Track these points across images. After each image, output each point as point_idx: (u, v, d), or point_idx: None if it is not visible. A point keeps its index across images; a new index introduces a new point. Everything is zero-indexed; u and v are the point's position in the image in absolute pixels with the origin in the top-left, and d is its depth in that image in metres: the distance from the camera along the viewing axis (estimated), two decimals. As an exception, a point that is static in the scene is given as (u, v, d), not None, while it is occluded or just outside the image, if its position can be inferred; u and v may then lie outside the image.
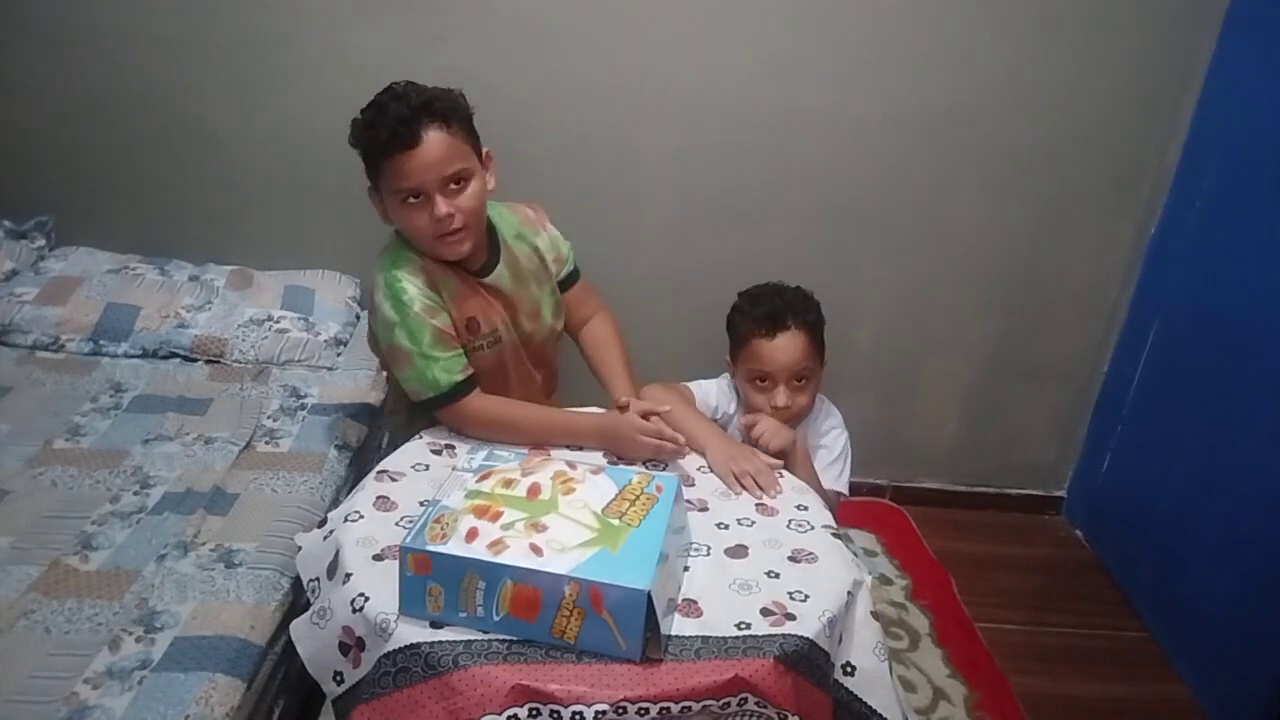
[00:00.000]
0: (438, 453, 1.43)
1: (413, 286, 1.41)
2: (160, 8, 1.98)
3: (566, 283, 1.67)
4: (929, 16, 2.05)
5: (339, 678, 1.12)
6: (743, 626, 1.07)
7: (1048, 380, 2.46)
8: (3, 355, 1.83)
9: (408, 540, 1.04)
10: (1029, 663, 1.99)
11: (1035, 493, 2.59)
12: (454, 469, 1.23)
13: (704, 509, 1.32)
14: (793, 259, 2.25)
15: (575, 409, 1.53)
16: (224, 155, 2.12)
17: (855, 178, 2.20)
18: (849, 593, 1.17)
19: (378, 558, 1.15)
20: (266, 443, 1.64)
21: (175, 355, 1.90)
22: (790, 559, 1.21)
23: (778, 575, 1.17)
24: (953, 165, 2.20)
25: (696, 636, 1.05)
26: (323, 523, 1.32)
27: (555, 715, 0.96)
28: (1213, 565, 1.97)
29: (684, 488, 1.26)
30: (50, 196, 2.15)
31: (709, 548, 1.23)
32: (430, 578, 1.03)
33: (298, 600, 1.32)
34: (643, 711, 0.97)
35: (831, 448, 1.63)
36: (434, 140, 1.36)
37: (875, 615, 1.21)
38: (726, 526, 1.28)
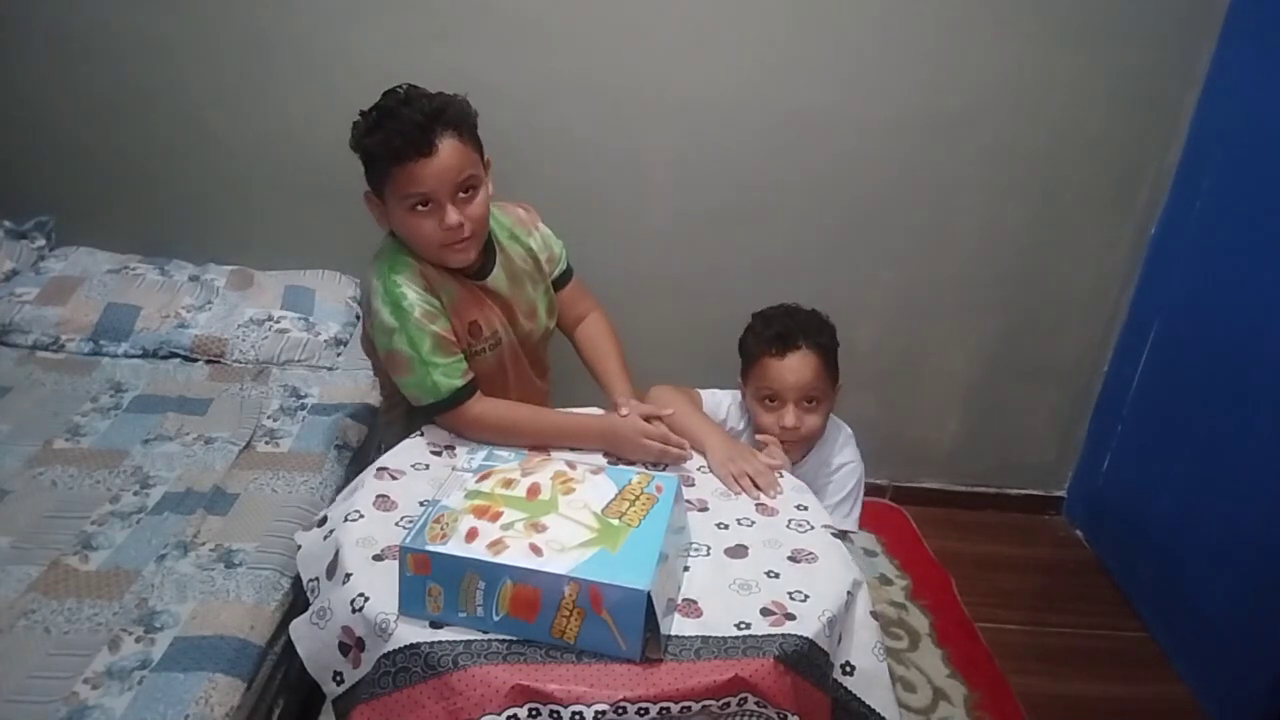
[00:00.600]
0: (437, 453, 1.43)
1: (412, 292, 1.39)
2: (160, 8, 1.98)
3: (560, 281, 1.67)
4: (930, 18, 2.05)
5: (339, 678, 1.12)
6: (742, 626, 1.07)
7: (1048, 380, 2.46)
8: (3, 355, 1.83)
9: (408, 540, 1.04)
10: (1029, 663, 1.99)
11: (1035, 493, 2.59)
12: (454, 469, 1.23)
13: (704, 509, 1.32)
14: (793, 260, 2.26)
15: (575, 410, 1.53)
16: (224, 155, 2.12)
17: (856, 178, 2.20)
18: (849, 593, 1.17)
19: (378, 558, 1.15)
20: (266, 443, 1.64)
21: (175, 355, 1.90)
22: (790, 559, 1.21)
23: (777, 575, 1.17)
24: (953, 166, 2.20)
25: (696, 636, 1.05)
26: (322, 521, 1.32)
27: (555, 715, 0.96)
28: (1213, 565, 1.97)
29: (684, 488, 1.26)
30: (50, 196, 2.15)
31: (709, 548, 1.23)
32: (430, 578, 1.03)
33: (298, 600, 1.32)
34: (642, 711, 0.97)
35: (841, 484, 1.58)
36: (448, 148, 1.34)
37: (874, 615, 1.21)
38: (726, 526, 1.28)
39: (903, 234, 2.27)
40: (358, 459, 1.70)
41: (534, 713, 0.97)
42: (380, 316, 1.40)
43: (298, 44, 2.02)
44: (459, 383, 1.41)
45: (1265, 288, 1.90)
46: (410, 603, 1.05)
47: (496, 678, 0.98)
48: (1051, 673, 1.98)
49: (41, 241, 2.11)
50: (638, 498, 1.14)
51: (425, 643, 1.02)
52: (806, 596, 1.13)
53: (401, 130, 1.32)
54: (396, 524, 1.22)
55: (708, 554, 1.21)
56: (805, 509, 1.35)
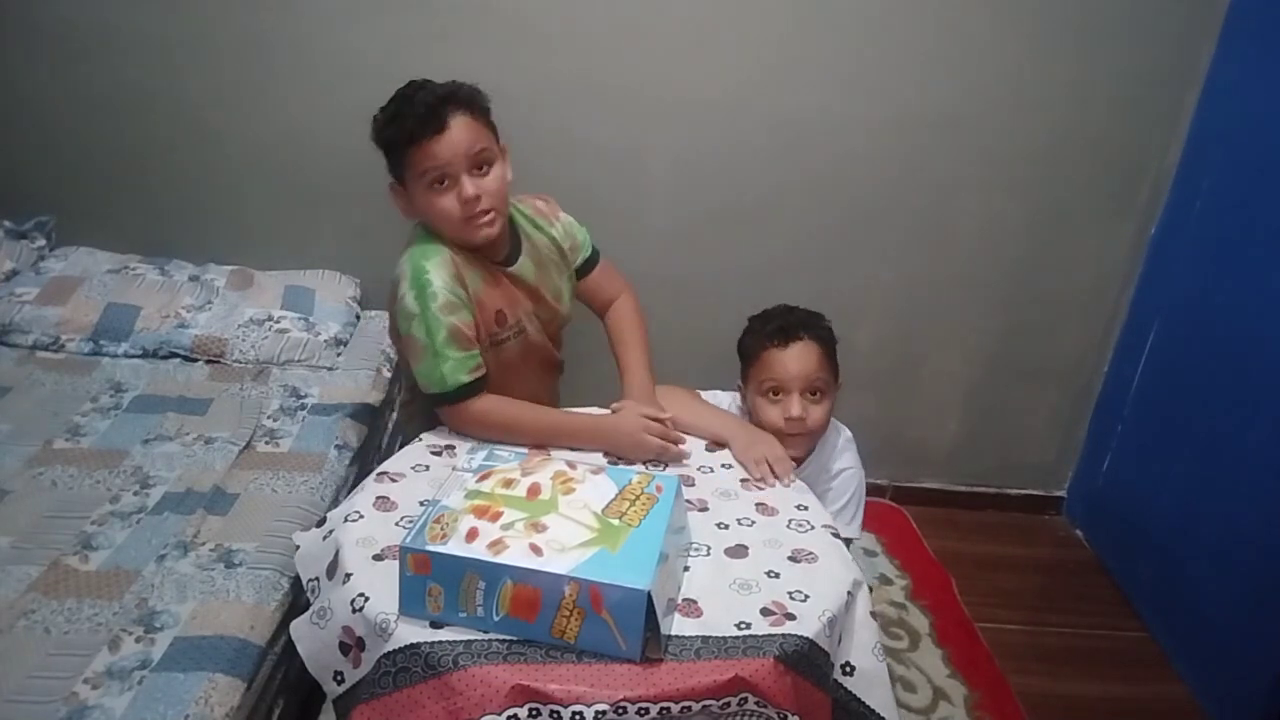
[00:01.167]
0: (437, 453, 1.43)
1: (439, 280, 1.41)
2: (161, 8, 1.98)
3: (586, 267, 1.69)
4: (930, 18, 2.05)
5: (339, 677, 1.12)
6: (743, 626, 1.07)
7: (1048, 380, 2.46)
8: (3, 355, 1.82)
9: (408, 540, 1.04)
10: (1029, 663, 1.99)
11: (1035, 493, 2.59)
12: (454, 469, 1.23)
13: (704, 509, 1.32)
14: (794, 260, 2.26)
15: (576, 409, 1.53)
16: (224, 155, 2.12)
17: (856, 179, 2.20)
18: (849, 593, 1.17)
19: (378, 558, 1.15)
20: (266, 443, 1.64)
21: (175, 355, 1.90)
22: (790, 559, 1.21)
23: (778, 575, 1.17)
24: (953, 166, 2.20)
25: (696, 636, 1.05)
26: (321, 522, 1.32)
27: (555, 715, 0.96)
28: (1213, 565, 1.97)
29: (684, 487, 1.26)
30: (50, 196, 2.15)
31: (709, 547, 1.23)
32: (430, 578, 1.03)
33: (298, 600, 1.32)
34: (643, 711, 0.97)
35: (841, 491, 1.57)
36: (459, 124, 1.39)
37: (874, 615, 1.21)
38: (726, 526, 1.28)
39: (903, 234, 2.27)
40: (358, 459, 1.70)
41: (534, 713, 0.97)
42: (404, 301, 1.42)
43: (298, 44, 2.02)
44: (465, 379, 1.43)
45: (1265, 287, 1.90)
46: (410, 603, 1.05)
47: (497, 678, 0.98)
48: (1051, 673, 1.98)
49: (41, 241, 2.10)
50: (638, 497, 1.14)
51: (425, 643, 1.02)
52: (807, 596, 1.13)
53: (414, 113, 1.38)
54: (396, 524, 1.22)
55: (708, 554, 1.21)
56: (805, 509, 1.35)
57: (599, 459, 1.43)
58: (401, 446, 1.46)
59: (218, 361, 1.90)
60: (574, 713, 0.96)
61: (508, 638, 1.03)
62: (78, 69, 2.03)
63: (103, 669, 1.11)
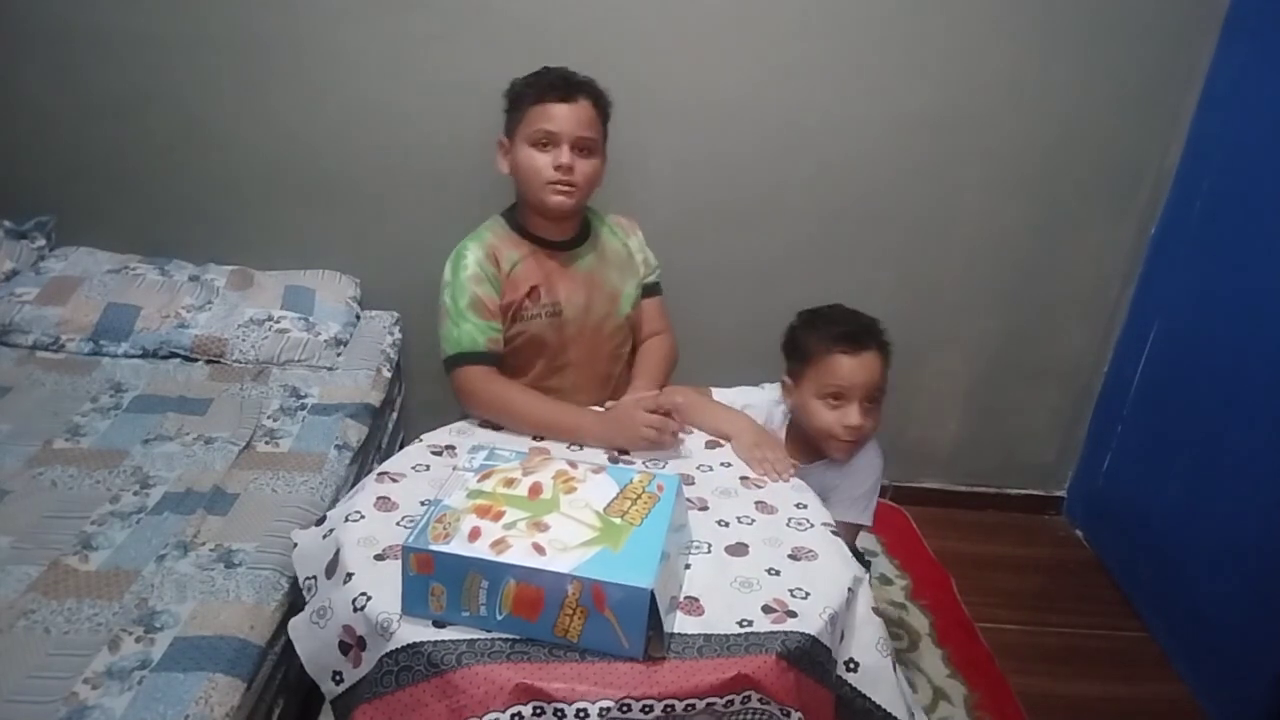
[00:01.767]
0: (438, 453, 1.43)
1: (473, 255, 1.57)
2: (161, 8, 1.98)
3: (648, 290, 1.77)
4: (930, 19, 2.05)
5: (338, 677, 1.12)
6: (744, 624, 1.07)
7: (1048, 380, 2.46)
8: (3, 355, 1.82)
9: (410, 540, 1.04)
10: (1029, 663, 1.98)
11: (1035, 493, 2.59)
12: (455, 469, 1.23)
13: (704, 507, 1.32)
14: (793, 260, 2.26)
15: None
16: (224, 155, 2.12)
17: (856, 179, 2.20)
18: (849, 589, 1.17)
19: (379, 557, 1.15)
20: (266, 443, 1.64)
21: (175, 355, 1.89)
22: (790, 556, 1.21)
23: (778, 573, 1.18)
24: (953, 166, 2.20)
25: (699, 634, 1.05)
26: (321, 521, 1.32)
27: (559, 714, 0.96)
28: (1213, 565, 1.97)
29: (684, 486, 1.26)
30: (50, 196, 2.14)
31: (709, 546, 1.23)
32: (433, 577, 1.03)
33: (298, 600, 1.31)
34: (647, 710, 0.97)
35: (864, 478, 1.56)
36: (583, 105, 1.57)
37: (876, 612, 1.21)
38: (727, 525, 1.28)
39: (903, 234, 2.27)
40: (358, 459, 1.70)
41: (538, 711, 0.97)
42: (444, 273, 1.59)
43: (298, 44, 2.02)
44: (479, 346, 1.54)
45: (1265, 288, 1.90)
46: (413, 602, 1.05)
47: (500, 676, 0.98)
48: (1051, 673, 1.98)
49: (41, 241, 2.10)
50: (639, 496, 1.14)
51: (428, 641, 1.02)
52: (807, 594, 1.13)
53: (551, 79, 1.56)
54: (398, 524, 1.22)
55: (709, 552, 1.22)
56: (805, 507, 1.35)
57: (600, 458, 1.43)
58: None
59: (218, 361, 1.89)
60: (578, 710, 0.96)
61: (510, 637, 1.03)
62: (78, 69, 2.03)
63: (103, 669, 1.11)
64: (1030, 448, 2.54)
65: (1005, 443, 2.53)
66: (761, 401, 1.63)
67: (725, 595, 1.13)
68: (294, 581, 1.31)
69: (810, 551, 1.23)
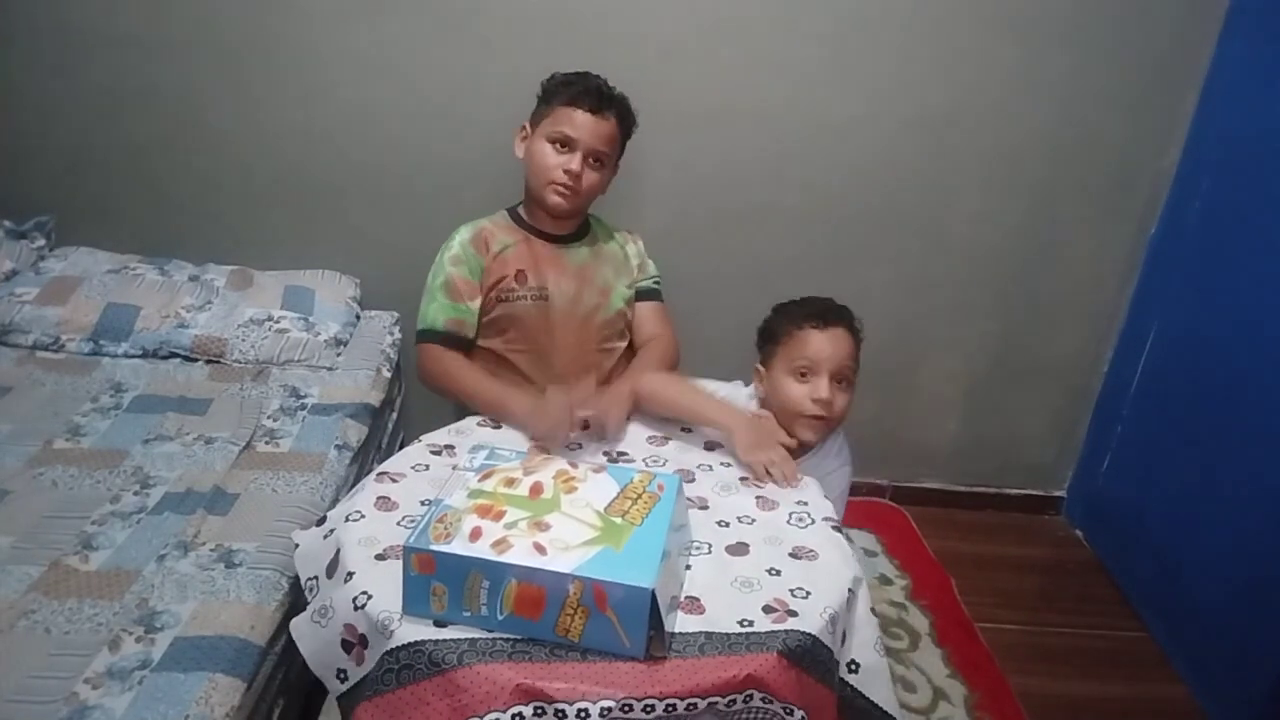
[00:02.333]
0: (437, 453, 1.43)
1: (460, 236, 1.67)
2: (161, 8, 1.98)
3: (643, 295, 1.82)
4: (928, 19, 2.05)
5: (342, 675, 1.12)
6: (745, 623, 1.07)
7: (1048, 380, 2.46)
8: (3, 355, 1.82)
9: (411, 540, 1.04)
10: (1029, 663, 1.99)
11: (1035, 493, 2.59)
12: (455, 468, 1.23)
13: (704, 506, 1.32)
14: (793, 260, 2.26)
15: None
16: (224, 155, 2.12)
17: (857, 180, 2.20)
18: (850, 589, 1.17)
19: (380, 557, 1.15)
20: (266, 443, 1.64)
21: (175, 355, 1.89)
22: (791, 556, 1.21)
23: (779, 573, 1.17)
24: (953, 166, 2.20)
25: (700, 633, 1.05)
26: (321, 521, 1.32)
27: (560, 714, 0.96)
28: (1213, 565, 1.97)
29: (684, 484, 1.26)
30: (50, 196, 2.14)
31: (710, 545, 1.23)
32: (434, 577, 1.03)
33: (298, 600, 1.31)
34: (648, 709, 0.97)
35: (833, 487, 1.55)
36: (610, 121, 1.64)
37: (873, 611, 1.21)
38: (727, 524, 1.28)
39: (903, 235, 2.27)
40: (358, 459, 1.70)
41: (539, 711, 0.97)
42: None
43: (298, 44, 2.02)
44: (440, 324, 1.63)
45: (1265, 288, 1.90)
46: (414, 602, 1.05)
47: (501, 675, 0.98)
48: (1051, 673, 1.98)
49: (41, 241, 2.10)
50: (639, 496, 1.14)
51: (429, 640, 1.02)
52: (808, 594, 1.13)
53: (588, 87, 1.62)
54: (398, 524, 1.22)
55: (709, 551, 1.21)
56: (805, 503, 1.35)
57: (600, 458, 1.43)
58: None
59: (218, 361, 1.89)
60: (579, 710, 0.96)
61: (512, 636, 1.03)
62: (77, 69, 2.03)
63: (103, 669, 1.11)
64: (1030, 448, 2.54)
65: (1005, 443, 2.53)
66: (736, 395, 1.62)
67: (726, 595, 1.12)
68: (294, 581, 1.31)
69: (811, 551, 1.23)
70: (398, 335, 2.12)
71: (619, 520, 1.09)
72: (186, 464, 1.54)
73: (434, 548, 1.03)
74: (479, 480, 1.16)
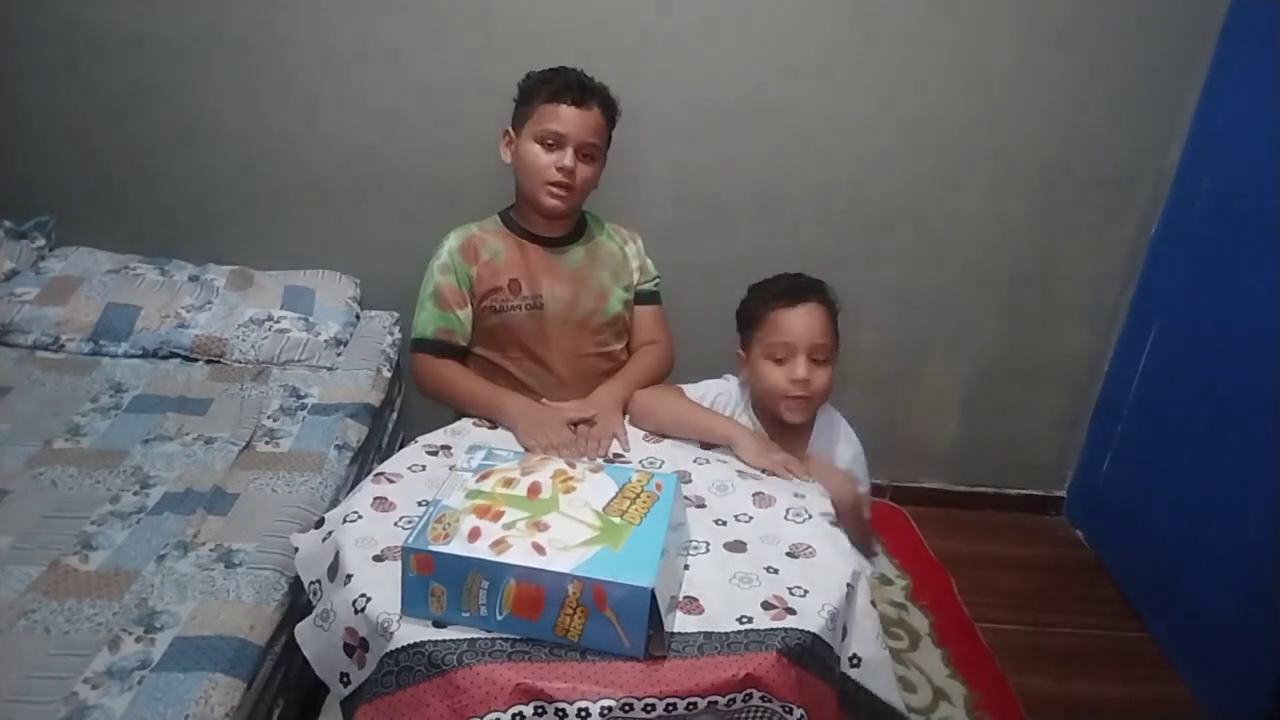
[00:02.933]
0: (434, 454, 1.43)
1: (449, 244, 1.66)
2: (161, 8, 1.98)
3: (642, 298, 1.80)
4: (929, 18, 2.05)
5: (345, 679, 1.12)
6: (744, 620, 1.07)
7: (1048, 380, 2.46)
8: (3, 355, 1.82)
9: (410, 541, 1.04)
10: (1029, 663, 1.98)
11: (1035, 493, 2.59)
12: (453, 469, 1.23)
13: (701, 505, 1.32)
14: (793, 260, 2.22)
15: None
16: (224, 155, 2.12)
17: (857, 179, 2.20)
18: (848, 585, 1.17)
19: (378, 558, 1.15)
20: (266, 443, 1.64)
21: (175, 355, 1.89)
22: (789, 554, 1.21)
23: (777, 570, 1.18)
24: (953, 166, 2.20)
25: (699, 633, 1.05)
26: (320, 523, 1.32)
27: (560, 713, 0.96)
28: (1213, 565, 1.97)
29: (681, 484, 1.26)
30: (50, 196, 2.14)
31: (708, 544, 1.23)
32: (433, 578, 1.03)
33: (297, 600, 1.32)
34: (648, 709, 0.97)
35: (861, 477, 1.57)
36: (595, 112, 1.60)
37: (873, 604, 1.21)
38: (724, 523, 1.28)
39: (903, 234, 2.27)
40: (358, 459, 1.70)
41: (539, 710, 0.97)
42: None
43: (298, 44, 2.02)
44: (428, 333, 1.64)
45: (1265, 288, 1.90)
46: (413, 603, 1.05)
47: (501, 675, 0.98)
48: (1051, 673, 1.98)
49: (41, 241, 2.10)
50: (638, 496, 1.15)
51: (429, 641, 1.02)
52: (806, 591, 1.13)
53: (568, 81, 1.59)
54: (395, 524, 1.22)
55: (707, 550, 1.22)
56: (802, 496, 1.35)
57: (597, 458, 1.43)
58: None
59: (218, 361, 1.89)
60: (579, 710, 0.96)
61: (511, 637, 1.03)
62: (77, 69, 2.03)
63: (103, 669, 1.11)
64: (1030, 448, 2.54)
65: (1005, 443, 2.53)
66: (729, 389, 1.62)
67: (724, 593, 1.12)
68: (294, 582, 1.31)
69: (809, 548, 1.23)
70: (398, 335, 2.12)
71: (618, 520, 1.09)
72: (186, 464, 1.54)
73: (433, 548, 1.03)
74: (477, 481, 1.17)
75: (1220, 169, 2.08)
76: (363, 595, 1.08)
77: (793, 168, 2.18)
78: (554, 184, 1.59)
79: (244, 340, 1.91)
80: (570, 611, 1.00)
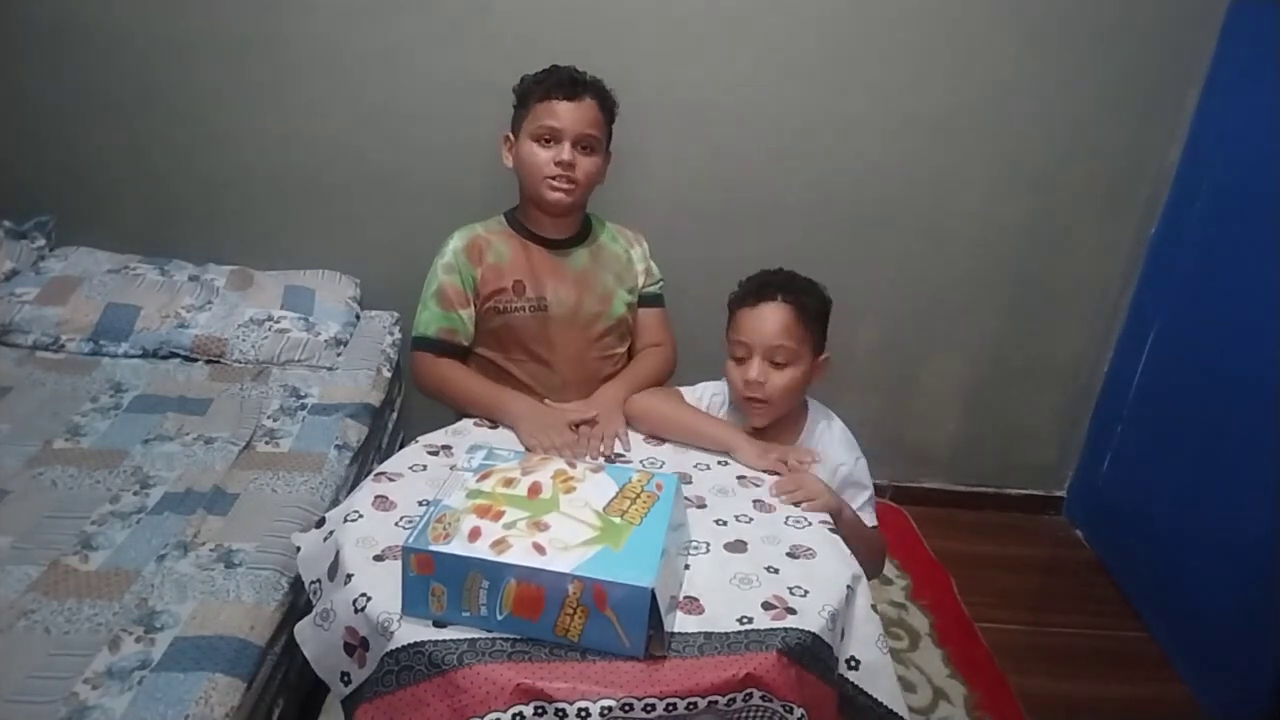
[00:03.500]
0: (434, 453, 1.43)
1: (453, 244, 1.65)
2: (161, 8, 1.98)
3: (645, 301, 1.79)
4: (929, 18, 2.05)
5: (346, 678, 1.12)
6: (744, 621, 1.07)
7: (1048, 380, 2.46)
8: (3, 355, 1.82)
9: (410, 540, 1.04)
10: (1029, 663, 1.99)
11: (1035, 493, 2.59)
12: (453, 468, 1.23)
13: (702, 506, 1.32)
14: (793, 260, 2.23)
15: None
16: (224, 155, 2.12)
17: (856, 179, 2.20)
18: (848, 587, 1.17)
19: (378, 558, 1.15)
20: (266, 443, 1.64)
21: (175, 355, 1.90)
22: (789, 555, 1.21)
23: (777, 571, 1.17)
24: (953, 166, 2.20)
25: (699, 633, 1.05)
26: (320, 523, 1.32)
27: (560, 713, 0.96)
28: (1213, 565, 1.97)
29: (682, 484, 1.26)
30: (50, 196, 2.15)
31: (708, 544, 1.23)
32: (433, 577, 1.03)
33: (297, 600, 1.32)
34: (649, 709, 0.97)
35: (863, 481, 1.53)
36: (588, 104, 1.61)
37: (874, 608, 1.21)
38: (725, 523, 1.28)
39: (903, 234, 2.27)
40: (358, 459, 1.70)
41: (539, 711, 0.97)
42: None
43: (298, 44, 2.03)
44: (431, 333, 1.63)
45: (1265, 287, 1.90)
46: (413, 603, 1.05)
47: (501, 675, 0.98)
48: (1051, 673, 1.98)
49: (41, 241, 2.10)
50: (638, 496, 1.14)
51: (429, 641, 1.02)
52: (806, 592, 1.13)
53: (559, 78, 1.60)
54: (396, 524, 1.22)
55: (707, 551, 1.21)
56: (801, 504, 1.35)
57: (599, 458, 1.43)
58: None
59: (218, 361, 1.89)
60: (579, 710, 0.96)
61: (511, 636, 1.03)
62: (78, 68, 2.03)
63: (103, 669, 1.11)
64: (1030, 448, 2.54)
65: (1005, 443, 2.53)
66: (724, 389, 1.60)
67: (724, 593, 1.12)
68: (294, 581, 1.31)
69: (809, 550, 1.23)
70: (398, 335, 2.12)
71: (618, 520, 1.09)
72: (186, 464, 1.54)
73: (433, 548, 1.02)
74: (477, 480, 1.16)
75: (1220, 169, 2.08)
76: (363, 595, 1.08)
77: (793, 168, 2.18)
78: (555, 178, 1.59)
79: (244, 340, 1.91)
80: (570, 611, 1.00)
